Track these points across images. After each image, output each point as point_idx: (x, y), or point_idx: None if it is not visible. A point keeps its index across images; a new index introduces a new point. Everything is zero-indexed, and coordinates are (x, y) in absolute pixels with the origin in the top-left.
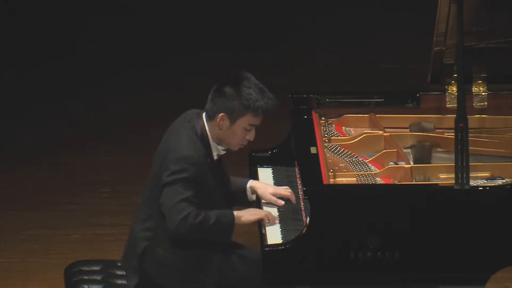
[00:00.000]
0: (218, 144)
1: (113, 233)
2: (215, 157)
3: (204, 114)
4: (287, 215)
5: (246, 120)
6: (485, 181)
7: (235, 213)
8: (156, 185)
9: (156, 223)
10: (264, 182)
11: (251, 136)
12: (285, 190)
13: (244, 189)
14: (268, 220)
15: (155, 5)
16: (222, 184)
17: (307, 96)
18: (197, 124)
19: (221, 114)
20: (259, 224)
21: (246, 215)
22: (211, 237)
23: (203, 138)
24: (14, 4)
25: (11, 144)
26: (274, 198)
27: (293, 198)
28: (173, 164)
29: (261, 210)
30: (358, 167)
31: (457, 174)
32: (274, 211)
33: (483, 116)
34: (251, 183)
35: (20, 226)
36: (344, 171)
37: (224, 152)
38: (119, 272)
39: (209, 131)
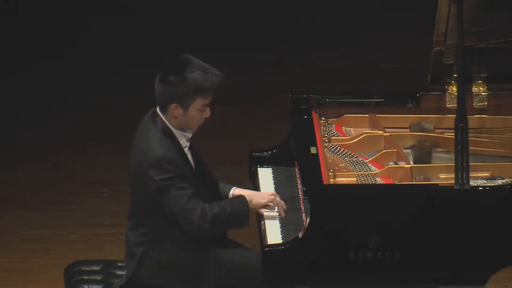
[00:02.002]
0: (182, 130)
1: (113, 233)
2: (186, 144)
3: (158, 109)
4: (287, 215)
5: (198, 103)
6: (485, 181)
7: (246, 197)
8: (136, 193)
9: (147, 229)
10: (247, 190)
11: (207, 114)
12: (268, 196)
13: (227, 196)
14: (276, 204)
15: (155, 5)
16: (199, 172)
17: (307, 96)
18: (156, 121)
19: (173, 104)
20: (259, 224)
21: (256, 198)
22: (230, 227)
23: (166, 132)
24: (14, 4)
25: (11, 144)
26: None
27: (278, 200)
28: (151, 169)
29: (269, 192)
30: (358, 167)
31: (457, 174)
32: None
33: (483, 116)
34: (233, 191)
35: (20, 226)
36: (344, 171)
37: (191, 134)
38: (119, 272)
39: (168, 122)
